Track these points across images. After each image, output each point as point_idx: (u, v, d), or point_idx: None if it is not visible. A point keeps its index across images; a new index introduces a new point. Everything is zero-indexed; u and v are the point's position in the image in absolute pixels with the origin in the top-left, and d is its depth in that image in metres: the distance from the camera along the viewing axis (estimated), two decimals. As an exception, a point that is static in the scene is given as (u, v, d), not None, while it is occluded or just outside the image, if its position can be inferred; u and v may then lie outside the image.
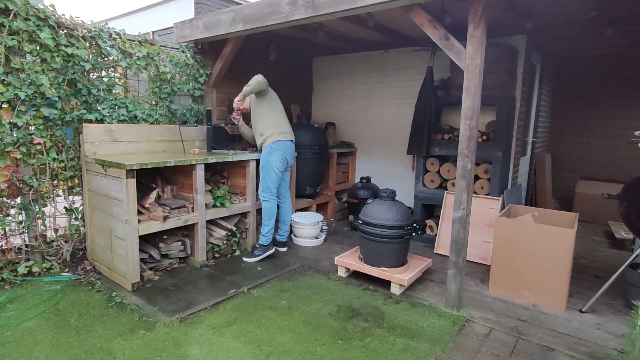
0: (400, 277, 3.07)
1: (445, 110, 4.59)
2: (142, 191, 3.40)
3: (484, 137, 4.02)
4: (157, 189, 3.53)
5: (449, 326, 2.63)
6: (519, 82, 4.18)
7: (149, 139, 3.80)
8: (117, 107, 3.69)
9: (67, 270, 3.38)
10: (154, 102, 4.06)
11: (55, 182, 3.43)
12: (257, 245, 3.81)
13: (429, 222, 4.53)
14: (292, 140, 3.88)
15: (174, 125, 4.05)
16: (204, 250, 3.62)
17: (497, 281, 3.17)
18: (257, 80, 3.66)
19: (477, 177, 4.08)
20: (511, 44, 4.03)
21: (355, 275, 3.44)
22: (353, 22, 3.86)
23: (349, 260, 3.42)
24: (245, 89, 3.65)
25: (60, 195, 3.54)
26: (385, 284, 3.18)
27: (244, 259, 3.76)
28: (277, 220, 3.99)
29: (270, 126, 3.78)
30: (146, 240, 3.40)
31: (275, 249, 3.96)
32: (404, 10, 2.83)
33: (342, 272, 3.42)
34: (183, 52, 4.25)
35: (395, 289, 3.10)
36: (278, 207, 3.96)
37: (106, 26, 3.58)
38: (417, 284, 3.28)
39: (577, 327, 2.68)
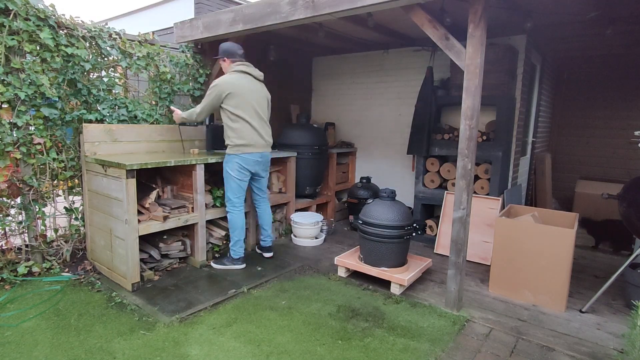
0: (400, 277, 3.07)
1: (445, 110, 4.59)
2: (142, 191, 3.40)
3: (484, 137, 4.02)
4: (157, 189, 3.53)
5: (449, 326, 2.63)
6: (519, 82, 4.18)
7: (149, 139, 3.80)
8: (117, 107, 3.69)
9: (67, 270, 3.38)
10: (154, 102, 4.05)
11: (55, 182, 3.43)
12: (227, 255, 3.59)
13: (429, 222, 4.53)
14: (255, 152, 3.43)
15: (174, 125, 4.05)
16: (204, 250, 3.62)
17: (497, 281, 3.17)
18: (189, 113, 3.48)
19: (477, 177, 4.08)
20: (511, 44, 4.03)
21: (355, 275, 3.44)
22: (353, 22, 3.86)
23: (349, 260, 3.41)
24: (182, 116, 3.54)
25: (60, 195, 3.53)
26: (385, 284, 3.18)
27: (212, 263, 3.57)
28: (258, 226, 3.85)
29: (230, 135, 3.39)
30: (146, 240, 3.40)
31: (252, 256, 3.79)
32: (404, 10, 2.83)
33: (342, 272, 3.42)
34: (183, 52, 4.25)
35: (395, 289, 3.09)
36: (255, 213, 3.81)
37: (106, 26, 3.58)
38: (417, 284, 3.28)
39: (577, 327, 2.68)
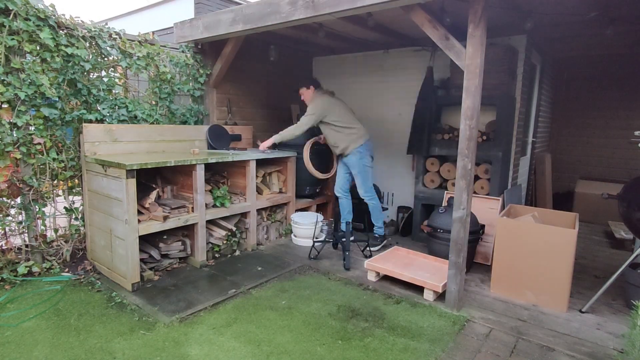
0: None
1: (445, 110, 4.59)
2: (142, 191, 3.40)
3: (484, 137, 4.01)
4: (157, 189, 3.53)
5: (449, 326, 2.63)
6: (519, 82, 4.18)
7: (149, 139, 3.80)
8: (117, 107, 3.69)
9: (67, 270, 3.38)
10: (154, 102, 4.05)
11: (55, 182, 3.43)
12: (376, 236, 4.23)
13: (429, 222, 4.52)
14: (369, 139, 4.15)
15: (174, 125, 4.04)
16: (204, 250, 3.62)
17: (498, 281, 3.16)
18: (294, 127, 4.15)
19: (477, 177, 4.08)
20: (511, 44, 4.03)
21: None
22: (353, 22, 3.86)
23: (379, 264, 3.33)
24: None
25: (60, 195, 3.54)
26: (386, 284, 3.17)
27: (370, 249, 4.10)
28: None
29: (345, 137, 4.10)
30: (146, 240, 3.40)
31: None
32: (404, 10, 2.83)
33: (372, 277, 3.34)
34: (183, 52, 4.25)
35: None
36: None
37: (106, 26, 3.58)
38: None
39: (577, 327, 2.68)
